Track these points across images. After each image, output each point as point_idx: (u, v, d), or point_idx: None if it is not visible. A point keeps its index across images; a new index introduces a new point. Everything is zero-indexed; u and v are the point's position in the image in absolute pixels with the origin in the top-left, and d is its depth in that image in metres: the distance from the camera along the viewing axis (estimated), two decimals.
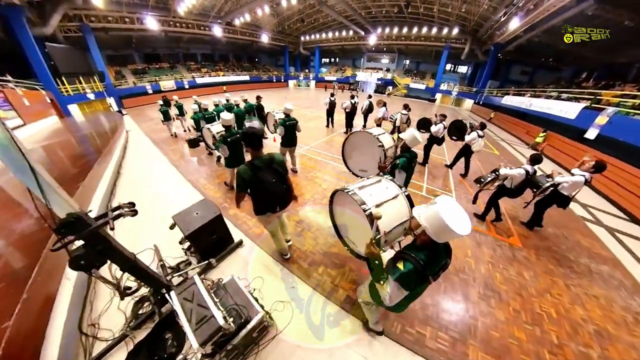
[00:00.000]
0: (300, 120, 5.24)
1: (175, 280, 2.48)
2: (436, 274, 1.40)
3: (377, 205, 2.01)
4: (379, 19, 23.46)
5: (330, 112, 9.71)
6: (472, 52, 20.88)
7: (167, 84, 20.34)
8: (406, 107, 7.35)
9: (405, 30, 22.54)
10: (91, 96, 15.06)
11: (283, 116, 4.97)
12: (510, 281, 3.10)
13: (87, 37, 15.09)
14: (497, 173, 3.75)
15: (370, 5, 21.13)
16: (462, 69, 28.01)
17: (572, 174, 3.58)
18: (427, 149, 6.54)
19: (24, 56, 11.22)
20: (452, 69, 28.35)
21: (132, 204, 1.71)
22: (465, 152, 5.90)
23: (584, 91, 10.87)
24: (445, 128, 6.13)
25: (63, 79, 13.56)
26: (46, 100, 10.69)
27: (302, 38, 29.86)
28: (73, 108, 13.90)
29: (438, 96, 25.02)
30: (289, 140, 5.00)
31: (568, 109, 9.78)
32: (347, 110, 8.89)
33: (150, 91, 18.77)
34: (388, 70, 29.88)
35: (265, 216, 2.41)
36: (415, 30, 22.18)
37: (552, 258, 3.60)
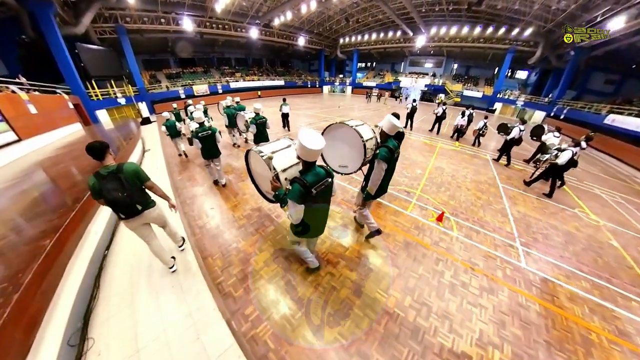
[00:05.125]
0: None
1: None
2: (318, 187, 1.87)
3: (273, 152, 2.43)
4: (431, 18, 20.73)
5: (410, 116, 10.50)
6: (542, 55, 17.47)
7: (200, 88, 19.28)
8: (470, 115, 9.27)
9: (465, 30, 19.47)
10: (122, 101, 14.05)
11: (253, 115, 5.26)
12: None
13: (122, 39, 14.20)
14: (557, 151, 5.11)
15: (424, 2, 18.51)
16: (522, 75, 24.26)
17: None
18: (507, 150, 7.18)
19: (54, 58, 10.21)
20: (510, 74, 24.65)
21: None
22: (512, 144, 7.07)
23: None
24: (521, 131, 6.81)
25: (93, 82, 12.58)
26: (68, 106, 9.45)
27: (341, 40, 27.80)
28: (101, 114, 12.88)
29: (498, 105, 21.49)
30: (261, 137, 5.32)
31: None
32: (437, 115, 10.25)
33: (182, 95, 17.72)
34: (434, 75, 26.77)
35: (126, 222, 2.32)
36: (477, 30, 19.07)
37: None
